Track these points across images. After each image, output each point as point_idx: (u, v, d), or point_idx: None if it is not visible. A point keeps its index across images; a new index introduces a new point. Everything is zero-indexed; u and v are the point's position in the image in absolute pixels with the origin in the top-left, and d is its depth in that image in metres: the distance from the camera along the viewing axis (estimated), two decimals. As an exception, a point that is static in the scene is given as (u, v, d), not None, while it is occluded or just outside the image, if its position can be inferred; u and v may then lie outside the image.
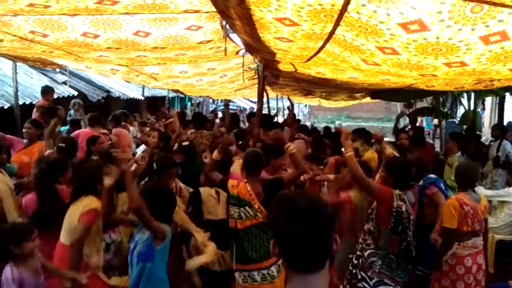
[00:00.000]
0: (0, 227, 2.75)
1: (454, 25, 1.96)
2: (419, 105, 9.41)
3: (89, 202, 2.89)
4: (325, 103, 11.75)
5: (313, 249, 1.17)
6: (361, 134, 6.02)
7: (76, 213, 2.85)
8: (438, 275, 3.55)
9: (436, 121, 10.50)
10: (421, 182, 4.06)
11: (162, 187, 2.90)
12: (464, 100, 8.20)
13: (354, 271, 3.05)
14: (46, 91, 6.51)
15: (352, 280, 3.05)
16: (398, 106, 17.74)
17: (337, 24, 2.28)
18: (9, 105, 6.56)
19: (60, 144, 4.23)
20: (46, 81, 8.72)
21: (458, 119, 8.70)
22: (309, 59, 3.52)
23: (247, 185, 3.15)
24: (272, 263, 3.15)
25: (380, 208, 3.03)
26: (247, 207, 3.11)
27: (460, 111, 9.13)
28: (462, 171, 3.61)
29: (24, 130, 4.79)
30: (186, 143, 4.57)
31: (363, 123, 19.26)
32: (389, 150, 3.81)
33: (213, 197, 3.80)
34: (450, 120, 8.79)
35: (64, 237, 2.90)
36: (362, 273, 2.99)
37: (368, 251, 3.01)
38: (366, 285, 2.95)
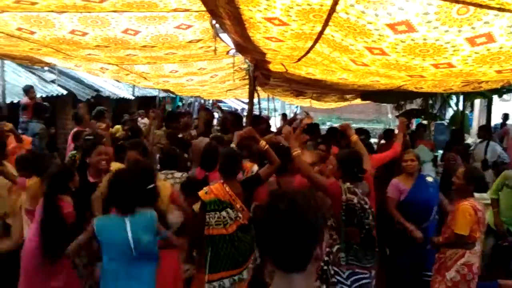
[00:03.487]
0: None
1: (440, 27, 1.97)
2: (409, 107, 9.50)
3: None
4: (316, 104, 11.76)
5: (292, 251, 1.18)
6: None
7: None
8: (439, 278, 3.45)
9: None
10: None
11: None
12: (453, 102, 8.31)
13: (325, 267, 3.05)
14: (27, 89, 6.64)
15: (323, 276, 3.06)
16: (388, 108, 17.89)
17: (326, 24, 2.29)
18: (-4, 103, 6.49)
19: (86, 137, 4.16)
20: (34, 80, 8.62)
21: (447, 120, 8.80)
22: (299, 59, 3.52)
23: (225, 186, 3.00)
24: (246, 267, 3.01)
25: (332, 203, 3.04)
26: (228, 209, 2.94)
27: (449, 113, 9.24)
28: (475, 176, 3.41)
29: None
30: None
31: (354, 124, 19.14)
32: (355, 137, 3.74)
33: None
34: (439, 121, 8.88)
35: None
36: (334, 268, 3.00)
37: (336, 246, 3.03)
38: (340, 278, 2.97)
